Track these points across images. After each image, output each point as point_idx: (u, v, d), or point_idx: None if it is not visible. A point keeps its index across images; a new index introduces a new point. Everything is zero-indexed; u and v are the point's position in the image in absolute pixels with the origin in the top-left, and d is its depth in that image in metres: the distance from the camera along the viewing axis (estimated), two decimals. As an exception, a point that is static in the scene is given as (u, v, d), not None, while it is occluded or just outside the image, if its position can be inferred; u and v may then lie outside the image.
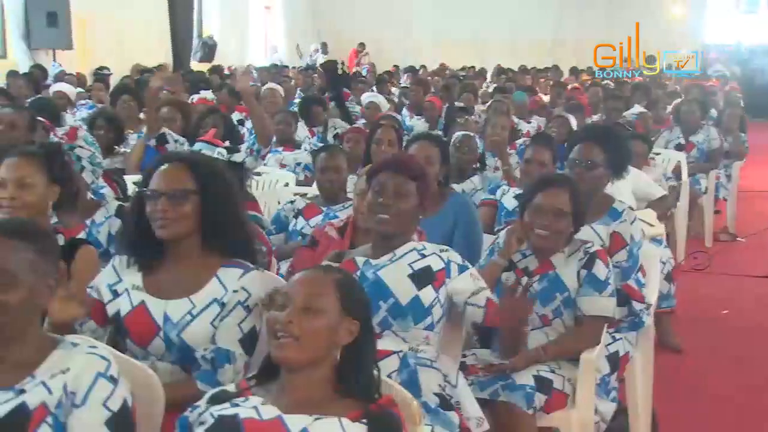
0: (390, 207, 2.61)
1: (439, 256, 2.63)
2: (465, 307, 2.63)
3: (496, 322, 2.63)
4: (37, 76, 9.92)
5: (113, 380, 1.90)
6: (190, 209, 2.37)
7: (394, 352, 2.54)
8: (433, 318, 2.59)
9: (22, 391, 1.86)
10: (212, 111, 5.21)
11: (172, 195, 2.36)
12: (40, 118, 4.68)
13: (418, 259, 2.62)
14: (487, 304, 2.62)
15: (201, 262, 2.42)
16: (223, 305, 2.37)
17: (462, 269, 2.64)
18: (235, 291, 2.38)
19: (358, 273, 2.60)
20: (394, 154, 3.04)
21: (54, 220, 3.09)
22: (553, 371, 2.94)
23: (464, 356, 2.94)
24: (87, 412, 1.86)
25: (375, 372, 2.00)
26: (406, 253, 2.64)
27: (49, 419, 1.85)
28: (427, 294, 2.58)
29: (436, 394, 2.52)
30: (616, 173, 3.60)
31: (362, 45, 20.61)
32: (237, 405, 1.91)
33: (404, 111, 8.81)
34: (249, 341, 2.38)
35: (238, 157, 3.53)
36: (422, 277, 2.59)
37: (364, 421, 1.89)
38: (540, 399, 2.85)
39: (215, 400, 1.96)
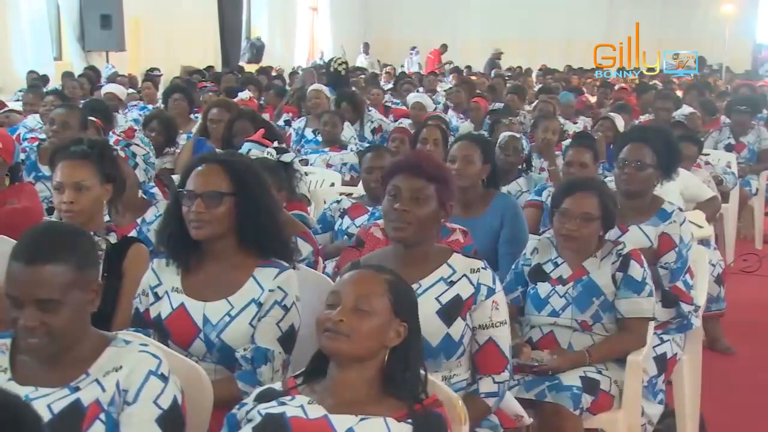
0: (407, 213, 2.40)
1: (469, 280, 2.43)
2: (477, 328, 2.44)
3: (479, 365, 2.44)
4: (90, 78, 10.13)
5: (164, 378, 1.94)
6: (224, 211, 2.39)
7: None
8: (464, 346, 2.43)
9: (77, 389, 1.90)
10: (244, 113, 5.21)
11: (207, 196, 2.38)
12: (93, 119, 4.78)
13: (446, 290, 2.42)
14: (484, 345, 2.42)
15: (238, 262, 2.44)
16: (260, 305, 2.39)
17: (489, 294, 2.42)
18: (271, 290, 2.40)
19: None
20: (409, 153, 2.82)
21: (106, 218, 3.15)
22: (599, 372, 2.92)
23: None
24: (138, 410, 1.90)
25: (422, 372, 2.01)
26: (433, 285, 2.43)
27: (102, 416, 1.89)
28: (457, 327, 2.40)
29: None
30: (665, 174, 3.57)
31: (444, 46, 20.38)
32: (284, 403, 1.93)
33: (450, 112, 8.80)
34: (288, 340, 2.40)
35: (287, 158, 3.55)
36: (451, 311, 2.40)
37: (409, 421, 1.90)
38: (587, 400, 2.83)
39: (262, 398, 1.99)
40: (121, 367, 1.92)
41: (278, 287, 2.40)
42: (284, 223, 2.59)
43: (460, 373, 2.47)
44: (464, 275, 2.43)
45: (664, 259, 3.31)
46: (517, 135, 4.97)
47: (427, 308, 2.36)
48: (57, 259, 1.87)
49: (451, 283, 2.43)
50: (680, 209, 3.51)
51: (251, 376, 2.35)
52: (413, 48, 20.51)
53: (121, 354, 1.95)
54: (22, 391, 1.88)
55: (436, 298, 2.42)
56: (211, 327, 2.39)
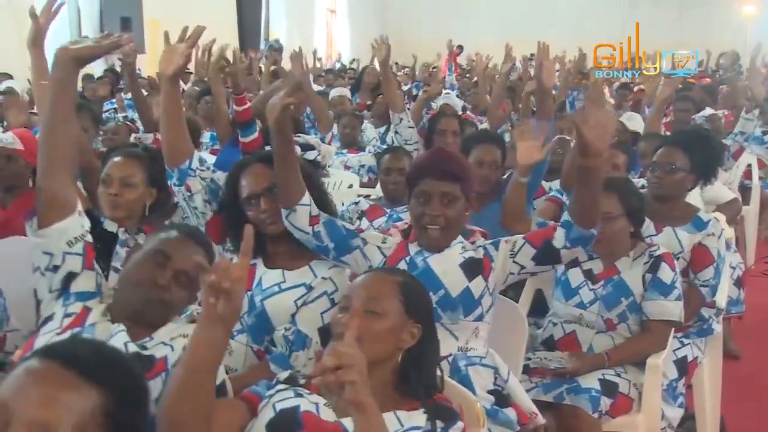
0: (438, 218, 2.53)
1: (474, 248, 2.59)
2: (512, 263, 2.55)
3: (539, 235, 2.56)
4: (111, 80, 10.18)
5: None
6: None
7: (444, 358, 2.43)
8: (483, 309, 2.54)
9: (144, 348, 2.00)
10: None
11: (269, 191, 2.53)
12: (127, 122, 4.87)
13: (463, 252, 2.57)
14: (526, 237, 2.57)
15: (299, 254, 2.58)
16: (310, 288, 2.51)
17: (496, 244, 2.59)
18: (324, 278, 2.52)
19: (408, 259, 2.58)
20: (430, 154, 2.84)
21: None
22: (618, 375, 2.92)
23: (528, 359, 2.92)
24: None
25: (438, 372, 2.01)
26: (454, 245, 2.59)
27: (164, 375, 1.96)
28: (478, 284, 2.52)
29: (490, 392, 2.49)
30: (703, 179, 3.51)
31: (461, 47, 20.26)
32: (301, 395, 1.92)
33: (467, 112, 8.76)
34: (327, 333, 2.44)
35: (310, 155, 3.60)
36: (472, 268, 2.54)
37: (422, 410, 1.89)
38: (605, 403, 2.83)
39: (291, 381, 1.98)
40: (187, 335, 1.99)
41: (330, 278, 2.54)
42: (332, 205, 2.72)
43: (477, 348, 2.53)
44: (471, 249, 2.59)
45: (703, 276, 3.27)
46: (567, 137, 4.92)
47: (452, 261, 2.55)
48: (209, 246, 2.17)
49: (465, 249, 2.58)
50: (716, 219, 3.43)
51: (284, 360, 2.44)
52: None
53: (183, 327, 2.07)
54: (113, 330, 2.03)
55: (460, 254, 2.56)
56: (259, 290, 2.53)
